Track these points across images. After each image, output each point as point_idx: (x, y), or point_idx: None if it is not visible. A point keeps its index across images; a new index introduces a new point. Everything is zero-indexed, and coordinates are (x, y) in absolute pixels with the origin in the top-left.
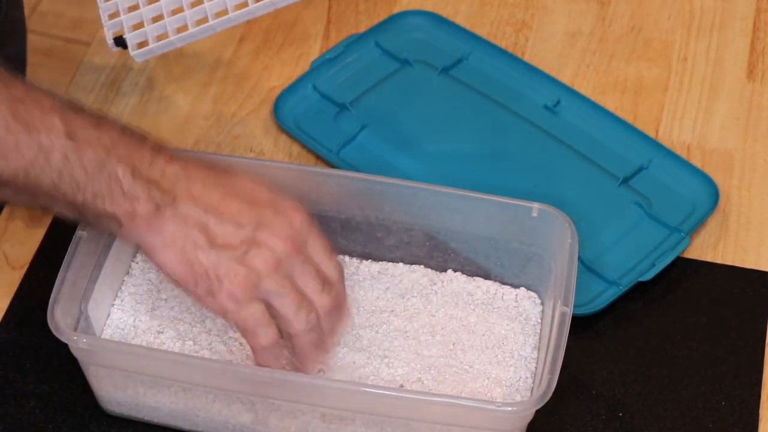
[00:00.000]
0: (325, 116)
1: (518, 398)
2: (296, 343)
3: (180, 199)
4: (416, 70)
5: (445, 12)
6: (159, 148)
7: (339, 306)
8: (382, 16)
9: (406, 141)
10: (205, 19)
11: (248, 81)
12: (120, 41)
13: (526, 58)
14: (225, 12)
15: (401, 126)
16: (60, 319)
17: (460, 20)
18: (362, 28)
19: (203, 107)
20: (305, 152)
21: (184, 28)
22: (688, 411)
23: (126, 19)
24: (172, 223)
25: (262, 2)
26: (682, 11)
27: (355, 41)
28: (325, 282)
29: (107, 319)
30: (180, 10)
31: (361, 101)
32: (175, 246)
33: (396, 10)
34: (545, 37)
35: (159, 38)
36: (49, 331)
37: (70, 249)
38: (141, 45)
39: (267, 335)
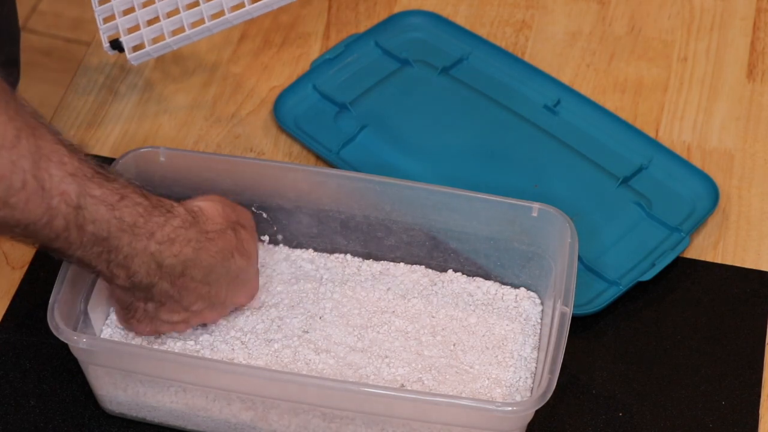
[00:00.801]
0: (325, 116)
1: (518, 398)
2: None
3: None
4: (416, 70)
5: (445, 12)
6: (174, 237)
7: None
8: (382, 16)
9: (406, 141)
10: (201, 21)
11: (248, 81)
12: (116, 44)
13: (526, 58)
14: (222, 13)
15: (401, 126)
16: (60, 319)
17: (460, 20)
18: (362, 28)
19: (203, 107)
20: (305, 152)
21: (181, 30)
22: (688, 411)
23: (122, 22)
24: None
25: (258, 3)
26: (682, 11)
27: (355, 41)
28: None
29: (107, 318)
30: (176, 12)
31: (361, 101)
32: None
33: (396, 10)
34: (545, 37)
35: (155, 41)
36: (49, 331)
37: None
38: (137, 48)
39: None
